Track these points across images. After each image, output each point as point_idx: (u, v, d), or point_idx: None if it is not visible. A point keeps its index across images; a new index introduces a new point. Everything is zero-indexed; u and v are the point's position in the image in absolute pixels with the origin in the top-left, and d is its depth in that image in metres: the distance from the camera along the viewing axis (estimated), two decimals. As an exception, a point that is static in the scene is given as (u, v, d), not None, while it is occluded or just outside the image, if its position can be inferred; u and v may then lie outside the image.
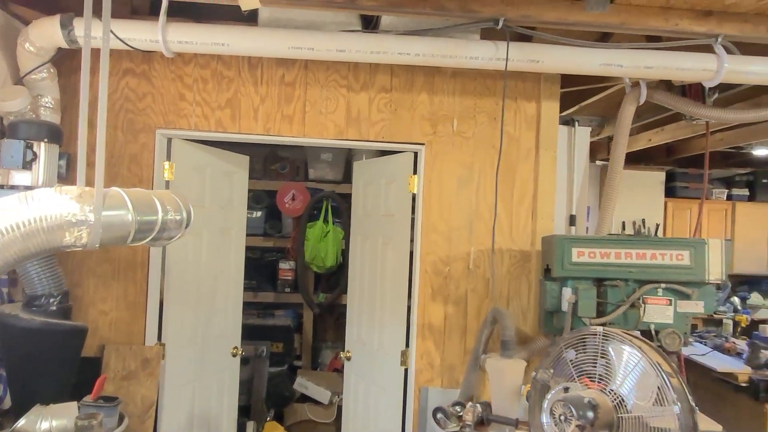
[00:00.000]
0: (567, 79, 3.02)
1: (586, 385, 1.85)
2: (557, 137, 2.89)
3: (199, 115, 2.77)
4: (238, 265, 3.48)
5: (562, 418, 1.72)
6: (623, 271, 2.37)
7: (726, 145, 5.24)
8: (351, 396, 3.43)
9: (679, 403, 1.59)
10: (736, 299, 6.09)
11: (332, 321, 5.54)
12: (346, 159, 4.88)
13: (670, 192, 6.23)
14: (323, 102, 2.80)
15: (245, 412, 4.48)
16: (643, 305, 2.39)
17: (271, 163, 5.61)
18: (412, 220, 2.94)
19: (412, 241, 2.94)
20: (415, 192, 2.89)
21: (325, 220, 5.04)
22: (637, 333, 2.41)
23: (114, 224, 1.51)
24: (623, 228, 6.17)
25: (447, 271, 2.84)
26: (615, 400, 1.75)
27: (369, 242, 3.29)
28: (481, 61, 2.35)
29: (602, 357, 1.83)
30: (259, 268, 5.35)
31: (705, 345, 4.12)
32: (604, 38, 2.76)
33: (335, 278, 5.11)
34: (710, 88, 3.08)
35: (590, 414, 1.68)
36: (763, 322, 5.43)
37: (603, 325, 2.40)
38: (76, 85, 2.62)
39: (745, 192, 6.24)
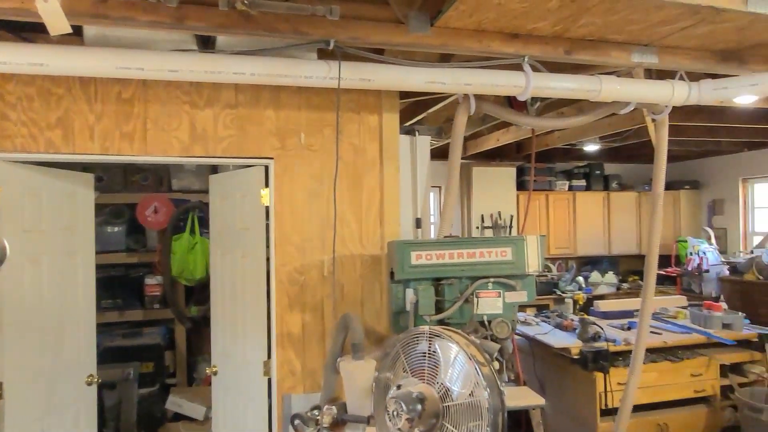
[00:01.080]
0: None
1: (420, 379, 2.04)
2: (399, 147, 3.09)
3: (26, 136, 2.60)
4: (87, 288, 3.31)
5: (395, 413, 1.89)
6: (456, 269, 2.62)
7: (562, 142, 5.89)
8: (220, 410, 3.41)
9: (488, 389, 1.82)
10: (581, 279, 6.86)
11: (208, 334, 5.41)
12: (213, 168, 4.79)
13: (521, 185, 6.84)
14: (166, 119, 2.75)
15: (112, 439, 4.28)
16: (476, 299, 2.66)
17: (131, 174, 5.36)
18: (268, 232, 2.99)
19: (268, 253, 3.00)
20: (268, 205, 2.95)
21: (192, 232, 4.91)
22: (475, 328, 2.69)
23: None
24: (482, 221, 6.69)
25: (302, 280, 2.93)
26: (441, 391, 1.94)
27: (228, 256, 3.29)
28: (315, 79, 2.46)
29: (431, 354, 2.02)
30: (124, 286, 5.11)
31: (549, 324, 4.62)
32: (444, 58, 2.99)
33: (208, 290, 5.01)
34: (533, 98, 3.48)
35: (418, 407, 1.86)
36: (600, 298, 6.19)
37: (441, 320, 2.65)
38: None
39: (583, 183, 7.04)
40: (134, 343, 4.60)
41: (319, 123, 2.97)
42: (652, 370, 4.07)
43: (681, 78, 3.05)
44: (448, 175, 3.17)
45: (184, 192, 5.16)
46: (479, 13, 2.39)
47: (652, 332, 4.44)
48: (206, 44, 2.59)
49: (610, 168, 7.37)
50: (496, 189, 6.72)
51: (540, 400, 2.68)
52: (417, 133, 3.24)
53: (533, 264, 2.68)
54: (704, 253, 6.17)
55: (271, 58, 2.44)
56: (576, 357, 3.91)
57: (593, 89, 2.84)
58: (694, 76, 3.13)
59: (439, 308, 2.63)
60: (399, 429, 1.87)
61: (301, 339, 2.92)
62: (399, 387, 1.97)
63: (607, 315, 4.97)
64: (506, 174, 6.79)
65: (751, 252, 6.15)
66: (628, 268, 7.45)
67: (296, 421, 2.50)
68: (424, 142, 3.29)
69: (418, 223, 3.26)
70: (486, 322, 2.66)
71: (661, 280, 6.90)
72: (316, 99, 2.96)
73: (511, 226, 6.75)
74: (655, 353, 4.18)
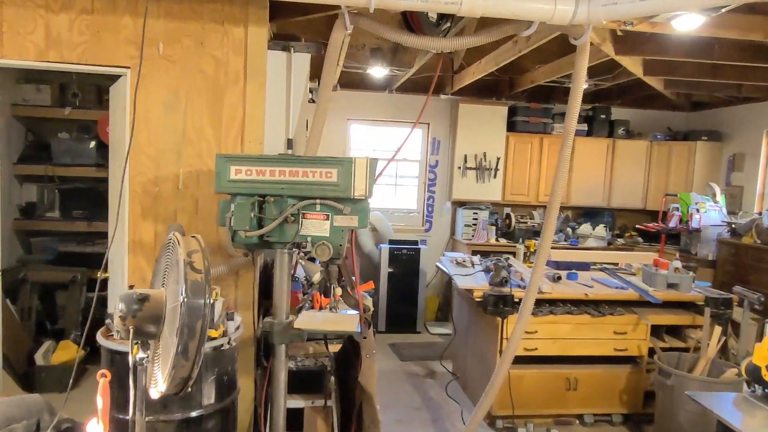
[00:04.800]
0: (290, 8, 3.10)
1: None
2: (266, 63, 2.97)
3: None
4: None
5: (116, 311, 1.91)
6: (276, 187, 2.52)
7: (545, 78, 5.42)
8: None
9: (188, 294, 1.79)
10: (569, 229, 6.46)
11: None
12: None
13: (511, 126, 6.42)
14: (21, 22, 2.80)
15: (60, 335, 4.70)
16: (301, 219, 2.57)
17: (105, 93, 5.60)
18: (134, 143, 3.03)
19: (134, 163, 3.04)
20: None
21: (150, 151, 5.09)
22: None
23: None
24: (465, 161, 6.40)
25: (156, 191, 2.97)
26: (170, 294, 1.94)
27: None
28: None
29: (175, 260, 2.00)
30: (92, 199, 5.44)
31: (480, 266, 4.42)
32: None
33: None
34: (439, 17, 3.19)
35: (134, 306, 1.87)
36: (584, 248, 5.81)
37: (261, 237, 2.60)
38: None
39: (584, 127, 6.46)
40: (86, 251, 4.94)
41: (178, 33, 2.90)
42: (566, 322, 3.83)
43: (574, -8, 2.67)
44: (319, 97, 3.02)
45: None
46: None
47: (584, 284, 4.15)
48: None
49: (618, 113, 6.70)
50: (484, 128, 6.35)
51: (352, 329, 2.59)
52: (293, 49, 3.09)
53: (360, 188, 2.52)
54: (698, 210, 5.56)
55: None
56: (479, 299, 3.75)
57: (453, 2, 2.55)
58: None
59: (261, 225, 2.58)
60: (115, 325, 1.90)
61: (153, 248, 2.99)
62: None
63: (559, 265, 4.69)
64: (497, 113, 6.37)
65: (759, 214, 5.47)
66: (628, 223, 6.90)
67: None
68: (302, 60, 3.13)
69: (289, 143, 3.16)
70: (310, 244, 2.58)
71: (655, 238, 6.37)
72: (176, 7, 2.88)
73: (497, 169, 6.41)
74: (577, 305, 3.91)
